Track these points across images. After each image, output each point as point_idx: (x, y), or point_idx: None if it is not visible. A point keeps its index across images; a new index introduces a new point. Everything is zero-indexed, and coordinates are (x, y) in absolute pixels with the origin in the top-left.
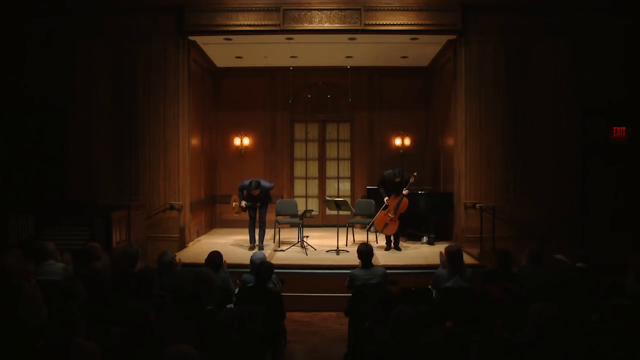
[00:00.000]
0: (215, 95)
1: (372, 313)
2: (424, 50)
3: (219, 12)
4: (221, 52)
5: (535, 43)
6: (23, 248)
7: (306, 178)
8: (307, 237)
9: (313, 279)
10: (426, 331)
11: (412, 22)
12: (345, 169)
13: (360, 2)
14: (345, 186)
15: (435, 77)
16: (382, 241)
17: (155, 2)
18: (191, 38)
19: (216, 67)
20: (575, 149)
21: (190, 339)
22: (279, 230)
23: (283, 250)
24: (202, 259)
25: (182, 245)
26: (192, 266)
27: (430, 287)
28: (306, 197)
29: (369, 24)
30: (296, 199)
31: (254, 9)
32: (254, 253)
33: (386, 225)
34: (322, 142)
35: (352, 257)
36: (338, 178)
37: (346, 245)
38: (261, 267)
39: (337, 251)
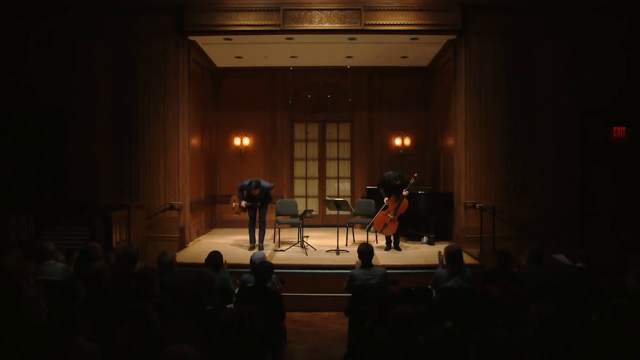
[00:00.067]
0: (215, 95)
1: (372, 313)
2: (424, 50)
3: (219, 12)
4: (221, 52)
5: (535, 43)
6: (23, 248)
7: (306, 178)
8: (307, 237)
9: (313, 279)
10: (426, 331)
11: (412, 22)
12: (345, 169)
13: (360, 2)
14: (345, 186)
15: (435, 77)
16: (382, 241)
17: (155, 2)
18: (191, 38)
19: (216, 67)
20: (575, 149)
21: (191, 339)
22: (279, 230)
23: (283, 250)
24: (202, 259)
25: (182, 245)
26: (192, 266)
27: (430, 287)
28: (306, 197)
29: (369, 24)
30: (296, 199)
31: (254, 9)
32: (254, 253)
33: (386, 225)
34: (322, 142)
35: (352, 257)
36: (338, 178)
37: (346, 245)
38: (261, 267)
39: (337, 251)
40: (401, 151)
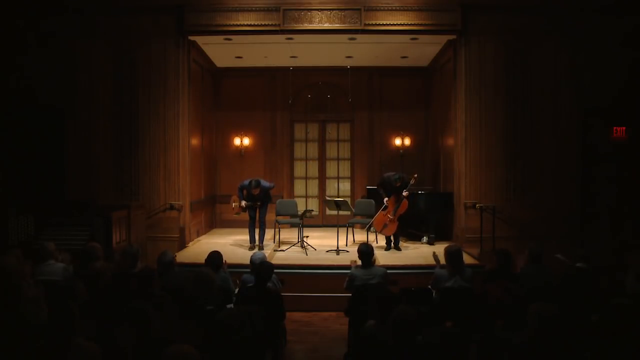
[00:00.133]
0: (215, 95)
1: (372, 313)
2: (424, 50)
3: (219, 12)
4: (221, 52)
5: (535, 43)
6: (23, 248)
7: (306, 178)
8: (307, 237)
9: (313, 279)
10: (426, 331)
11: (412, 22)
12: (345, 169)
13: (360, 2)
14: (345, 186)
15: (435, 77)
16: (382, 241)
17: (155, 2)
18: (191, 38)
19: (216, 67)
20: (575, 149)
21: (191, 339)
22: (279, 230)
23: (283, 250)
24: (202, 259)
25: (182, 245)
26: (192, 266)
27: (430, 287)
28: (306, 197)
29: (369, 24)
30: (296, 199)
31: (254, 9)
32: (254, 253)
33: (385, 226)
34: (322, 142)
35: (352, 257)
36: (338, 178)
37: (346, 245)
38: (261, 267)
39: (337, 251)
40: (401, 151)
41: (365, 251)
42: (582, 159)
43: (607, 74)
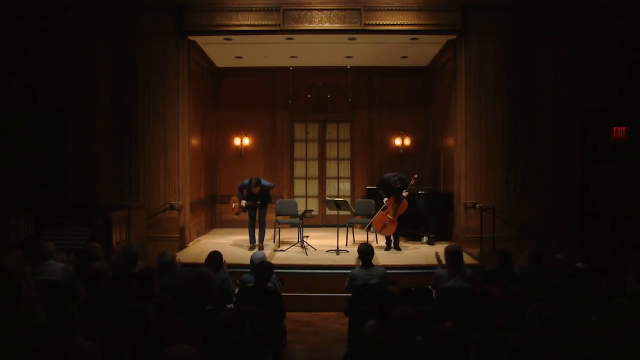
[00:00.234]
0: (215, 95)
1: (372, 313)
2: (424, 50)
3: (219, 12)
4: (221, 52)
5: (535, 43)
6: (23, 248)
7: (306, 178)
8: (307, 237)
9: (313, 279)
10: (426, 331)
11: (412, 22)
12: (345, 169)
13: (360, 2)
14: (345, 186)
15: (435, 77)
16: (382, 241)
17: (155, 2)
18: (191, 38)
19: (216, 67)
20: (575, 149)
21: (191, 339)
22: (279, 230)
23: (283, 250)
24: (202, 259)
25: (182, 245)
26: (192, 266)
27: (430, 287)
28: (306, 197)
29: (369, 24)
30: (296, 199)
31: (254, 9)
32: (254, 253)
33: (385, 226)
34: (322, 142)
35: (352, 257)
36: (338, 178)
37: (346, 245)
38: (261, 267)
39: (337, 251)
40: (401, 151)
41: (366, 251)
42: (582, 159)
43: (607, 74)
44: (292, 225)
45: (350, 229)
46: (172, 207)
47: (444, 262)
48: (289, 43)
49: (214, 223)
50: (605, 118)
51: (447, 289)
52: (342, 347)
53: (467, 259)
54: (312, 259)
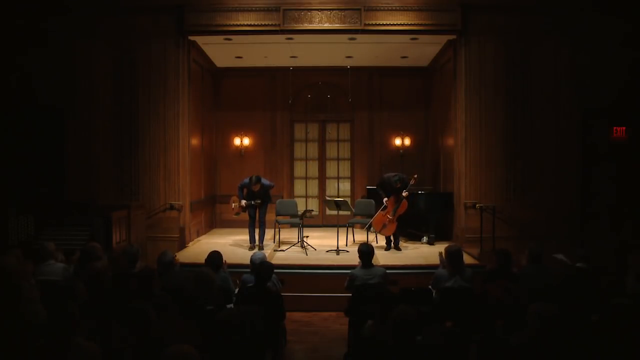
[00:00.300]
0: (215, 95)
1: (372, 313)
2: (424, 50)
3: (219, 12)
4: (221, 52)
5: (535, 43)
6: (23, 248)
7: (306, 178)
8: (307, 237)
9: (313, 279)
10: (426, 331)
11: (412, 22)
12: (345, 169)
13: (360, 2)
14: (345, 186)
15: (435, 77)
16: (382, 241)
17: (155, 2)
18: (191, 38)
19: (216, 67)
20: (575, 149)
21: (191, 339)
22: (279, 230)
23: (283, 250)
24: (202, 259)
25: (182, 245)
26: (192, 266)
27: (430, 287)
28: (306, 197)
29: (369, 24)
30: (296, 199)
31: (254, 9)
32: (254, 253)
33: (384, 226)
34: (322, 142)
35: (352, 257)
36: (338, 178)
37: (346, 245)
38: (261, 267)
39: (337, 251)
40: (401, 151)
41: (366, 251)
42: (582, 159)
43: (607, 74)
44: (292, 225)
45: (350, 229)
46: (172, 207)
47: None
48: (289, 43)
49: (214, 223)
50: (605, 118)
51: (447, 289)
52: (342, 347)
53: (467, 259)
54: (312, 259)
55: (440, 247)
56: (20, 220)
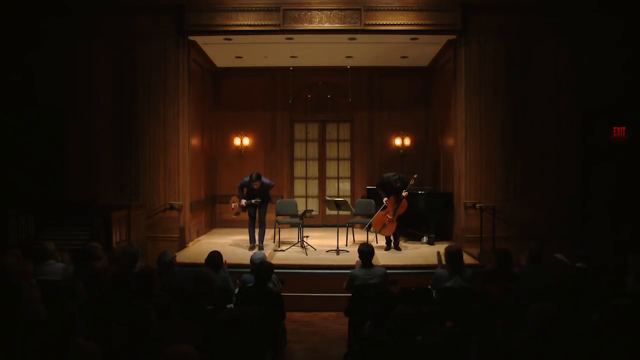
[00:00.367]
0: (215, 95)
1: (372, 313)
2: (424, 50)
3: (219, 12)
4: (221, 52)
5: (535, 43)
6: (23, 248)
7: (306, 178)
8: (307, 237)
9: (313, 279)
10: (426, 331)
11: (412, 22)
12: (345, 169)
13: (360, 2)
14: (345, 186)
15: (435, 77)
16: (382, 241)
17: (155, 2)
18: (191, 38)
19: (216, 67)
20: (575, 149)
21: (191, 339)
22: (279, 230)
23: (283, 250)
24: (202, 259)
25: (182, 245)
26: (192, 266)
27: (430, 287)
28: (306, 197)
29: (369, 24)
30: (296, 199)
31: (254, 9)
32: (254, 253)
33: (384, 226)
34: (322, 142)
35: (352, 257)
36: (338, 178)
37: (346, 245)
38: (261, 267)
39: (337, 251)
40: (401, 151)
41: (366, 251)
42: (582, 159)
43: (607, 74)
44: (292, 225)
45: (350, 229)
46: (172, 207)
47: (443, 262)
48: (289, 43)
49: (214, 223)
50: (605, 118)
51: (447, 289)
52: (342, 347)
53: (467, 259)
54: (312, 259)
55: (440, 247)
56: (20, 220)
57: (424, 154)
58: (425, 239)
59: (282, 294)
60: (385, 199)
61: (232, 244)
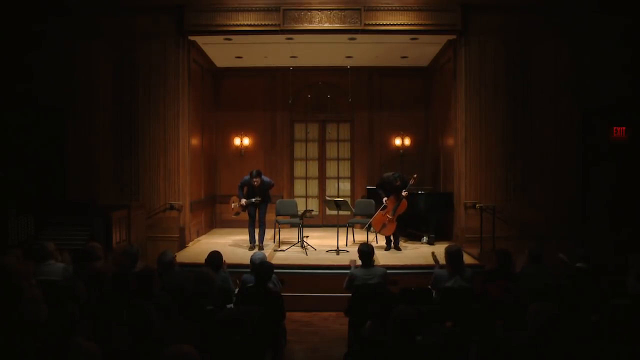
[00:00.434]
0: (215, 95)
1: (372, 313)
2: (424, 50)
3: (219, 12)
4: (221, 52)
5: (535, 43)
6: (23, 248)
7: (306, 178)
8: (307, 237)
9: (313, 279)
10: (426, 331)
11: (412, 22)
12: (345, 169)
13: (360, 2)
14: (345, 186)
15: (435, 77)
16: (382, 241)
17: (155, 2)
18: (191, 38)
19: (216, 67)
20: (575, 149)
21: (191, 339)
22: (279, 230)
23: (283, 250)
24: (202, 259)
25: (182, 245)
26: (192, 266)
27: (430, 287)
28: (306, 197)
29: (369, 24)
30: (296, 199)
31: (254, 9)
32: (254, 253)
33: (384, 225)
34: (322, 142)
35: (352, 257)
36: (338, 178)
37: (346, 245)
38: (261, 267)
39: (337, 251)
40: (401, 151)
41: (366, 251)
42: (582, 159)
43: (607, 74)
44: (292, 225)
45: (350, 229)
46: (172, 207)
47: (441, 262)
48: (289, 43)
49: (214, 223)
50: (605, 118)
51: (447, 289)
52: (342, 347)
53: (467, 259)
54: (312, 259)
55: (441, 247)
56: (20, 220)
57: (424, 154)
58: (425, 239)
59: (282, 294)
60: (385, 198)
61: (232, 244)
